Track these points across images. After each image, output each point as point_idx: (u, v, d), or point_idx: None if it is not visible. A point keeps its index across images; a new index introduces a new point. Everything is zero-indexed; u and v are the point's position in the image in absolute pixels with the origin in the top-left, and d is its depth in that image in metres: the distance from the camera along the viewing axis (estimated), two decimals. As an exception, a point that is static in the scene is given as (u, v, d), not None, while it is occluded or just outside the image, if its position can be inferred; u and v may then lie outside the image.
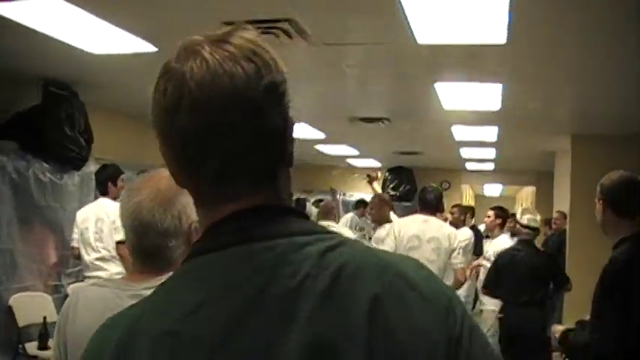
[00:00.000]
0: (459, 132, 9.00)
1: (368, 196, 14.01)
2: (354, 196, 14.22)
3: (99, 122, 6.95)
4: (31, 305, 5.92)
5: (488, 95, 6.41)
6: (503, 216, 8.38)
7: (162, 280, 1.55)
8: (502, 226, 8.33)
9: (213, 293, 0.90)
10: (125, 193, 1.84)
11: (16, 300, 5.81)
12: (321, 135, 9.76)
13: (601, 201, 3.00)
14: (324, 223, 6.19)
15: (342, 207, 13.75)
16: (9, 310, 5.74)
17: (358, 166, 14.30)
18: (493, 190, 21.23)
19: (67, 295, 6.42)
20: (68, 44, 5.01)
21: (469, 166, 13.74)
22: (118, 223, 5.38)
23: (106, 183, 5.90)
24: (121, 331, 0.94)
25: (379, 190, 7.89)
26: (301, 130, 9.32)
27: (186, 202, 1.74)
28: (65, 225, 6.56)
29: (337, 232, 1.01)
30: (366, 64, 5.70)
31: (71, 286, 1.67)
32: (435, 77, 5.87)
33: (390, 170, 14.30)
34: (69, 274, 6.66)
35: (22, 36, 4.79)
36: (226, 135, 0.95)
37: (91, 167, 6.88)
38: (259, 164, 0.99)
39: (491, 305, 7.06)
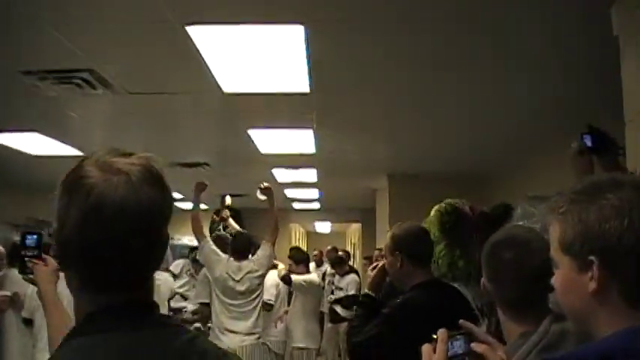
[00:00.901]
0: (280, 174, 9.15)
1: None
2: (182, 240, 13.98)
3: None
4: None
5: (301, 140, 6.58)
6: None
7: None
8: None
9: None
10: None
11: None
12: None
13: (396, 252, 2.91)
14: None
15: (169, 251, 13.49)
16: None
17: (184, 209, 14.09)
18: (324, 227, 21.63)
19: None
20: None
21: (296, 205, 13.97)
22: None
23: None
24: None
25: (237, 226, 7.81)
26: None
27: None
28: None
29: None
30: (177, 112, 5.66)
31: None
32: (247, 124, 5.95)
33: (217, 213, 14.17)
34: None
35: None
36: None
37: None
38: None
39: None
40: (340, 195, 12.21)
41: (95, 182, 1.07)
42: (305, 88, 4.68)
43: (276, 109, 5.39)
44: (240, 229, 6.57)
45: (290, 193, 11.54)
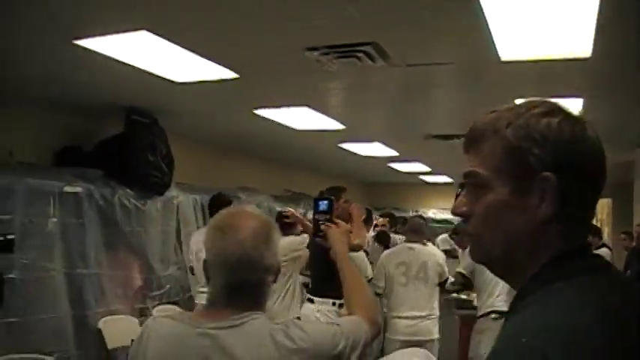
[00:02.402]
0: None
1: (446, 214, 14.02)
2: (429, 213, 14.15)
3: (179, 148, 7.09)
4: (119, 328, 6.05)
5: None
6: None
7: (233, 320, 1.69)
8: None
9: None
10: (214, 229, 1.86)
11: (104, 323, 5.95)
12: (393, 152, 9.75)
13: None
14: (413, 244, 6.17)
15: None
16: (98, 333, 5.88)
17: (430, 182, 14.24)
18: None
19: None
20: (150, 73, 5.15)
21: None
22: None
23: (217, 210, 5.97)
24: None
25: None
26: (375, 149, 9.35)
27: (278, 240, 1.81)
28: (148, 249, 6.73)
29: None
30: (448, 83, 5.67)
31: (149, 318, 1.72)
32: (515, 93, 5.79)
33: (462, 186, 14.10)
34: (153, 297, 6.79)
35: (108, 68, 4.95)
36: None
37: (173, 192, 7.05)
38: None
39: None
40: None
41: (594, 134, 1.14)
42: (586, 52, 4.45)
43: (550, 76, 5.18)
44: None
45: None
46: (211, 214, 6.14)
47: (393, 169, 11.90)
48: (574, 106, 4.35)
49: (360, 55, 4.58)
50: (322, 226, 2.28)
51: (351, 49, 4.52)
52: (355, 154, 9.80)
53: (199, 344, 1.67)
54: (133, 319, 6.35)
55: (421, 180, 14.07)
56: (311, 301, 5.45)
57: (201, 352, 1.66)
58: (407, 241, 6.32)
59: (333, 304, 5.27)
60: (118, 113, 6.52)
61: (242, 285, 1.74)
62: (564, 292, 1.00)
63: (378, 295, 5.95)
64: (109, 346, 5.88)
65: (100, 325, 5.92)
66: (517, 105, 1.16)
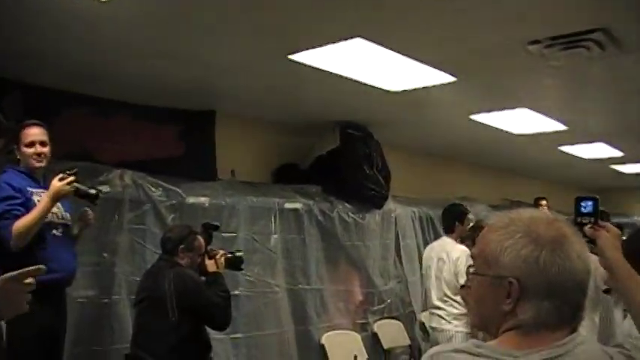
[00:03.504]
0: None
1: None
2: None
3: (394, 160, 6.97)
4: (342, 344, 6.02)
5: None
6: None
7: (559, 348, 1.28)
8: None
9: None
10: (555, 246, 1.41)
11: (328, 338, 5.93)
12: (618, 153, 8.99)
13: None
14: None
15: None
16: (321, 348, 5.87)
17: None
18: None
19: (374, 334, 6.48)
20: (364, 84, 5.06)
21: None
22: (461, 264, 5.54)
23: (453, 222, 5.88)
24: None
25: None
26: (597, 150, 8.69)
27: None
28: (368, 263, 6.66)
29: None
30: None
31: (430, 351, 1.49)
32: None
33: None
34: (374, 312, 6.70)
35: (322, 83, 4.94)
36: None
37: (390, 205, 6.94)
38: None
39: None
40: None
41: None
42: None
43: None
44: None
45: None
46: (444, 224, 6.08)
47: (616, 171, 10.98)
48: None
49: (588, 43, 4.16)
50: (588, 231, 1.96)
51: (578, 39, 4.11)
52: (576, 156, 9.15)
53: None
54: (355, 334, 6.29)
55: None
56: None
57: None
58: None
59: None
60: (333, 128, 6.53)
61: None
62: None
63: None
64: (333, 362, 5.85)
65: (323, 340, 5.90)
66: None
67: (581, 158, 9.27)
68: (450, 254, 5.67)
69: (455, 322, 5.60)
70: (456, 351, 1.42)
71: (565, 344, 1.33)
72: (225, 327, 4.15)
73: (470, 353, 1.39)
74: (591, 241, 1.89)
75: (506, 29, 4.04)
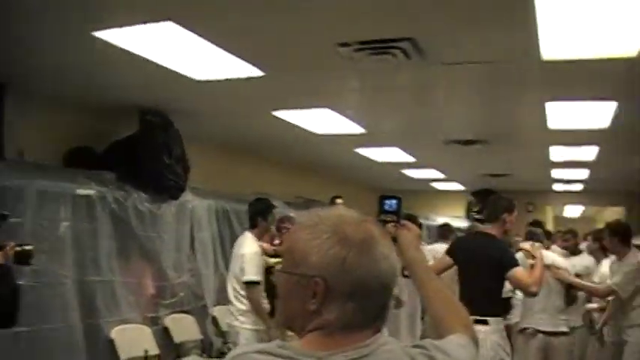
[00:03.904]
0: (556, 152, 8.64)
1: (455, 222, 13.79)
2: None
3: (194, 151, 6.81)
4: (132, 338, 5.78)
5: (597, 113, 6.08)
6: None
7: (362, 349, 1.33)
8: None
9: None
10: (353, 245, 1.37)
11: (117, 332, 5.67)
12: (410, 159, 9.52)
13: None
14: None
15: (426, 232, 13.40)
16: (110, 343, 5.60)
17: (442, 189, 14.05)
18: (574, 211, 20.47)
19: (164, 328, 6.29)
20: (171, 70, 4.90)
21: (556, 187, 13.26)
22: (246, 261, 5.49)
23: (256, 217, 5.85)
24: None
25: None
26: (391, 154, 9.13)
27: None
28: (162, 255, 6.47)
29: None
30: (482, 83, 5.43)
31: (232, 352, 1.43)
32: (549, 96, 5.56)
33: (474, 193, 13.92)
34: (166, 305, 6.52)
35: (126, 64, 4.71)
36: None
37: (188, 196, 6.79)
38: None
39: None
40: (609, 177, 11.34)
41: None
42: (633, 52, 4.21)
43: (589, 77, 4.93)
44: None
45: (556, 173, 10.95)
46: (249, 220, 6.04)
47: (406, 175, 11.66)
48: (606, 109, 4.15)
49: (395, 51, 4.33)
50: (390, 229, 1.98)
51: (386, 45, 4.27)
52: (370, 159, 9.57)
53: None
54: (146, 329, 6.07)
55: (432, 187, 13.85)
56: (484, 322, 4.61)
57: None
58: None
59: None
60: (132, 113, 6.25)
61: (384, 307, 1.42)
62: None
63: None
64: (122, 357, 5.59)
65: (113, 334, 5.63)
66: None
67: (375, 161, 9.69)
68: (240, 250, 5.69)
69: (241, 319, 5.61)
70: (259, 352, 1.38)
71: (368, 345, 1.34)
72: (11, 324, 3.82)
73: (272, 354, 1.36)
74: (393, 239, 1.92)
75: (318, 29, 4.10)
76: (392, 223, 1.94)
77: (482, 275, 4.58)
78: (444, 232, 9.63)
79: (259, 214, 5.83)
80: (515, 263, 4.60)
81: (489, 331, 4.49)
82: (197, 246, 7.07)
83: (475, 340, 1.63)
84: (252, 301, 5.51)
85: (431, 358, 1.39)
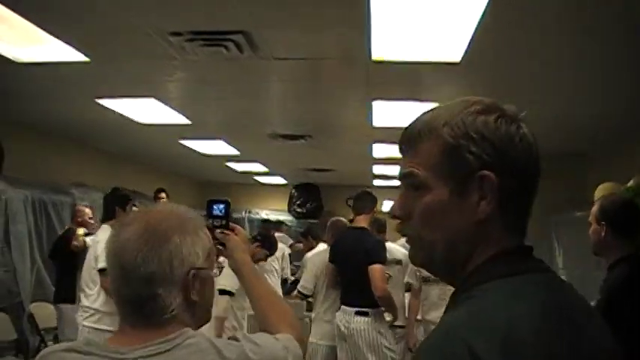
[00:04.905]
0: (379, 149, 8.97)
1: (278, 215, 13.97)
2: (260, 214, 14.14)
3: (9, 137, 6.34)
4: None
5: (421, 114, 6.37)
6: None
7: (167, 343, 1.37)
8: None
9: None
10: (112, 231, 1.52)
11: None
12: (234, 152, 9.51)
13: (602, 223, 3.01)
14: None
15: (247, 225, 13.46)
16: None
17: (265, 183, 14.16)
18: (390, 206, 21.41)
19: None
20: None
21: (376, 182, 13.76)
22: (101, 247, 5.19)
23: (114, 207, 5.61)
24: None
25: None
26: (216, 147, 9.08)
27: (181, 243, 1.45)
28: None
29: None
30: (311, 80, 5.52)
31: (42, 351, 1.38)
32: (375, 95, 5.77)
33: (297, 187, 14.18)
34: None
35: None
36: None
37: (1, 186, 6.35)
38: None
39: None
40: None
41: (529, 132, 1.08)
42: (457, 57, 4.47)
43: (415, 79, 5.18)
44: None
45: (377, 169, 11.38)
46: (104, 211, 5.77)
47: (230, 168, 11.64)
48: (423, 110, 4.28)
49: (228, 44, 4.31)
50: (218, 235, 1.97)
51: (219, 37, 4.24)
52: (195, 151, 9.46)
53: None
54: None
55: (255, 180, 13.92)
56: (364, 314, 5.00)
57: None
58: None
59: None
60: None
61: (131, 298, 1.43)
62: (496, 290, 1.01)
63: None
64: None
65: None
66: (453, 103, 1.12)
67: (198, 153, 9.58)
68: (95, 238, 5.52)
69: (80, 313, 5.34)
70: (67, 350, 1.42)
71: (174, 339, 1.38)
72: None
73: (79, 352, 1.39)
74: (221, 244, 1.93)
75: (149, 16, 4.00)
76: (219, 229, 1.97)
77: (357, 268, 4.86)
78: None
79: (119, 204, 5.62)
80: (379, 259, 4.86)
81: (369, 322, 4.89)
82: (12, 239, 6.66)
83: (300, 339, 1.68)
84: (105, 289, 5.17)
85: (238, 347, 1.42)
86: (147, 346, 1.36)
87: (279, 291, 6.01)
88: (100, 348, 1.39)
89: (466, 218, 1.07)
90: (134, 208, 5.55)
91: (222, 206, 2.02)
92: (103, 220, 5.74)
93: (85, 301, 5.29)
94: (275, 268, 7.73)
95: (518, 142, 1.06)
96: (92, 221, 6.50)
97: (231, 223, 2.01)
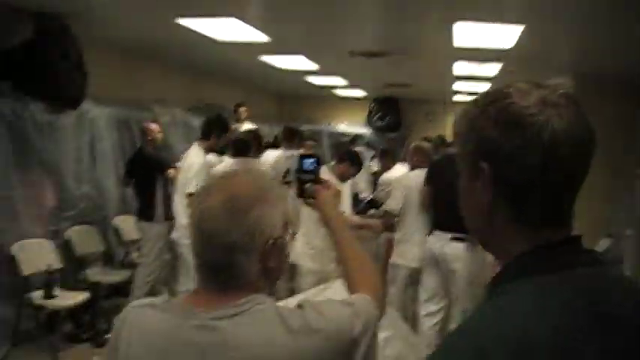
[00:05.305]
0: (460, 68, 8.79)
1: (356, 128, 13.99)
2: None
3: (92, 57, 6.46)
4: (33, 253, 5.65)
5: (503, 35, 6.18)
6: None
7: (235, 307, 1.44)
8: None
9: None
10: (196, 194, 1.56)
11: (17, 248, 5.52)
12: (314, 67, 9.48)
13: None
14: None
15: (326, 139, 13.48)
16: (12, 260, 5.45)
17: (344, 96, 14.13)
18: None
19: (66, 241, 6.17)
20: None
21: (457, 98, 13.52)
22: (192, 171, 5.47)
23: (213, 131, 6.13)
24: None
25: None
26: (296, 63, 9.07)
27: (262, 214, 1.48)
28: (62, 166, 6.27)
29: None
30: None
31: (125, 310, 1.45)
32: (456, 16, 5.61)
33: (376, 100, 14.09)
34: (67, 218, 6.37)
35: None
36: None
37: (86, 105, 6.52)
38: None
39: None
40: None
41: (544, 120, 1.05)
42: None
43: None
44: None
45: (458, 86, 11.17)
46: (206, 134, 6.10)
47: (309, 82, 11.62)
48: (512, 31, 4.21)
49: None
50: (309, 188, 2.02)
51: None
52: (274, 67, 9.45)
53: (195, 340, 1.40)
54: (48, 242, 5.93)
55: (334, 94, 13.88)
56: (460, 239, 5.06)
57: (200, 348, 1.39)
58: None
59: None
60: (26, 18, 5.85)
61: (211, 264, 1.49)
62: (517, 292, 1.03)
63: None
64: (24, 273, 5.47)
65: (13, 250, 5.49)
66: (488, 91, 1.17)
67: (278, 68, 9.59)
68: (187, 161, 5.90)
69: (179, 234, 5.85)
70: (149, 305, 1.53)
71: (243, 304, 1.44)
72: None
73: (158, 308, 1.51)
74: (312, 197, 1.98)
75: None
76: (310, 183, 2.01)
77: (455, 192, 4.84)
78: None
79: (218, 130, 6.05)
80: None
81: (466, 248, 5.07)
82: (97, 156, 6.89)
83: (379, 299, 1.67)
84: None
85: (302, 317, 1.45)
86: (217, 309, 1.43)
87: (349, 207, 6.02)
88: (176, 307, 1.49)
89: (476, 202, 1.14)
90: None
91: (312, 160, 2.06)
92: (200, 139, 6.11)
93: (182, 221, 5.65)
94: None
95: (522, 133, 1.05)
96: (160, 135, 6.64)
97: (322, 178, 2.05)
